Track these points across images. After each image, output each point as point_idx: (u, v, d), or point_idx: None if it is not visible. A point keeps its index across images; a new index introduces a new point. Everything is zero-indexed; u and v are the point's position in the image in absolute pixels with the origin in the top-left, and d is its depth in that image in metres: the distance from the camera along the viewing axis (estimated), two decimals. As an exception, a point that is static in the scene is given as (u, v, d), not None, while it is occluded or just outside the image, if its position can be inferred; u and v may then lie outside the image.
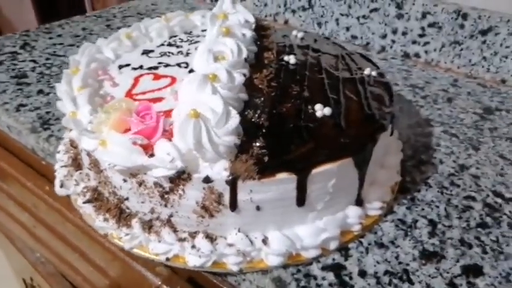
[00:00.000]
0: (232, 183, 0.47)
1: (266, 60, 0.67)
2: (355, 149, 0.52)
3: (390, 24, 1.06)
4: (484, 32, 0.94)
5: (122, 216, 0.53)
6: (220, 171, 0.47)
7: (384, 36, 1.08)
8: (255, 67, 0.64)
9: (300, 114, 0.56)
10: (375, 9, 1.07)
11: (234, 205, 0.48)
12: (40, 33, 1.11)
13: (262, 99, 0.57)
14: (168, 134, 0.48)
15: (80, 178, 0.58)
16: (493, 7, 0.92)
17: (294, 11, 1.20)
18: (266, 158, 0.48)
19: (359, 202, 0.57)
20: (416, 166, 0.70)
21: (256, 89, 0.59)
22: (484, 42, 0.94)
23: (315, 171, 0.49)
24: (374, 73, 0.69)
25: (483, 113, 0.86)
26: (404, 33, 1.05)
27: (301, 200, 0.50)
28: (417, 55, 1.05)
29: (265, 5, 1.24)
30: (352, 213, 0.55)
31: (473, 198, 0.64)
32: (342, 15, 1.12)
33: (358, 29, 1.11)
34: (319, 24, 1.17)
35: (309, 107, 0.57)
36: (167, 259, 0.52)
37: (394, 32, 1.06)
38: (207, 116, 0.48)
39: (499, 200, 0.63)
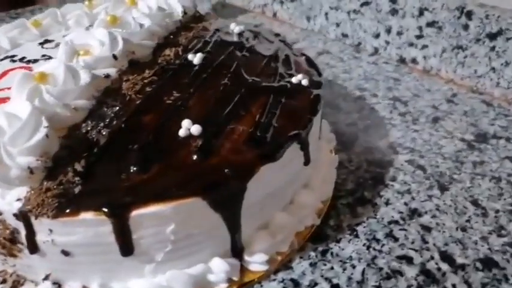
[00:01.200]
0: (25, 220, 0.36)
1: (161, 58, 0.55)
2: (207, 186, 0.38)
3: (383, 21, 0.88)
4: (492, 36, 0.74)
5: None
6: (11, 201, 0.36)
7: (377, 36, 0.90)
8: (139, 67, 0.52)
9: (158, 132, 0.43)
10: (366, 3, 0.89)
11: (31, 246, 0.37)
12: None
13: (116, 108, 0.45)
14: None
15: None
16: (505, 4, 0.72)
17: (282, 2, 1.05)
18: (77, 189, 0.37)
19: (236, 253, 0.44)
20: (350, 206, 0.54)
21: (117, 94, 0.47)
22: (492, 48, 0.74)
23: (136, 213, 0.36)
24: (305, 81, 0.54)
25: (474, 140, 0.67)
26: (399, 33, 0.86)
27: (125, 249, 0.38)
28: (414, 61, 0.86)
29: (253, -6, 1.11)
30: (216, 267, 0.42)
31: (410, 260, 0.47)
32: (331, 8, 0.96)
33: (349, 25, 0.94)
34: (308, 19, 1.01)
35: (176, 122, 0.44)
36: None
37: (388, 30, 0.88)
38: (3, 128, 0.37)
39: (445, 267, 0.46)
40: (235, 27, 0.66)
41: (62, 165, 0.38)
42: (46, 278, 0.39)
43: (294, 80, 0.54)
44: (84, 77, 0.44)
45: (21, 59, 0.56)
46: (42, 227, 0.36)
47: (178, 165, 0.40)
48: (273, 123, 0.46)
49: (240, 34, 0.66)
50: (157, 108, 0.46)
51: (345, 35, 0.96)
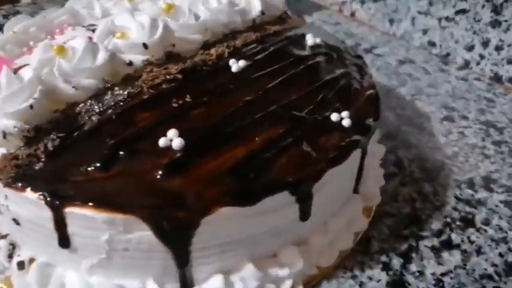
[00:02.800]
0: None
1: (201, 57, 0.49)
2: (152, 207, 0.34)
3: (481, 33, 0.78)
4: None
5: None
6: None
7: (471, 48, 0.81)
8: (172, 60, 0.48)
9: (142, 133, 0.39)
10: (463, 11, 0.79)
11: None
12: None
13: (120, 97, 0.42)
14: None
15: None
16: None
17: (362, 2, 0.97)
18: (37, 166, 0.36)
19: (185, 286, 0.39)
20: (436, 250, 0.47)
21: (132, 84, 0.44)
22: None
23: (69, 210, 0.34)
24: (346, 122, 0.43)
25: None
26: (498, 48, 0.76)
27: (61, 240, 0.36)
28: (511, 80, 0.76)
29: (332, -10, 1.03)
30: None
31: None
32: (419, 13, 0.87)
33: (438, 33, 0.85)
34: (391, 22, 0.92)
35: (166, 128, 0.39)
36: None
37: (485, 44, 0.78)
38: (1, 86, 0.39)
39: None
40: (310, 39, 0.57)
41: (40, 139, 0.38)
42: (4, 237, 0.40)
43: (333, 116, 0.44)
44: (101, 58, 0.42)
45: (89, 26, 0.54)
46: (0, 190, 0.36)
47: (138, 175, 0.36)
48: (272, 160, 0.38)
49: (313, 47, 0.56)
50: (159, 108, 0.42)
51: (431, 44, 0.86)
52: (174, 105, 0.43)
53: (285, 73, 0.49)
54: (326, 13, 1.03)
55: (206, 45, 0.52)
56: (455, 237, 0.49)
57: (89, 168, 0.36)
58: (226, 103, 0.44)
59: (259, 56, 0.52)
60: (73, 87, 0.41)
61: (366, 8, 0.97)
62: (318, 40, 0.57)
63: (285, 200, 0.38)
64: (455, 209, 0.53)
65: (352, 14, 1.00)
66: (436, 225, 0.51)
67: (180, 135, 0.38)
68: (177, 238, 0.36)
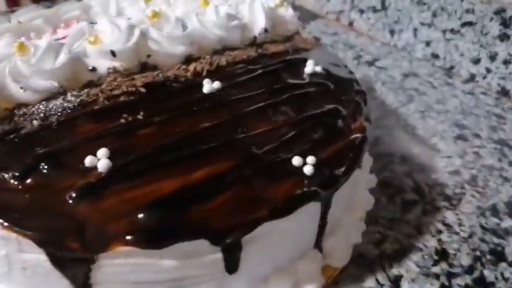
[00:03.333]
0: None
1: (175, 72, 0.44)
2: (45, 232, 0.31)
3: (487, 46, 0.76)
4: None
5: None
6: None
7: (477, 62, 0.78)
8: (144, 72, 0.44)
9: (74, 147, 0.36)
10: (469, 23, 0.77)
11: None
12: None
13: (70, 105, 0.39)
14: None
15: None
16: None
17: (362, 11, 0.93)
18: None
19: None
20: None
21: (88, 92, 0.41)
22: None
23: None
24: (308, 169, 0.36)
25: None
26: (506, 62, 0.74)
27: None
28: (521, 95, 0.74)
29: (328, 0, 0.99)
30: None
31: None
32: (422, 24, 0.84)
33: (442, 45, 0.82)
34: (392, 32, 0.89)
35: (96, 145, 0.35)
36: None
37: (492, 57, 0.76)
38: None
39: None
40: (309, 65, 0.49)
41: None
42: None
43: (295, 160, 0.37)
44: (60, 61, 0.40)
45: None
46: None
47: (50, 193, 0.32)
48: (203, 199, 0.33)
49: (311, 75, 0.49)
50: (105, 121, 0.38)
51: (435, 56, 0.84)
52: (122, 121, 0.38)
53: (262, 101, 0.43)
54: (323, 22, 0.99)
55: (188, 60, 0.47)
56: (488, 274, 0.46)
57: (6, 175, 0.33)
58: (180, 126, 0.38)
59: (241, 79, 0.46)
60: (21, 88, 0.39)
61: (365, 17, 0.93)
62: (318, 68, 0.49)
63: (205, 249, 0.32)
64: (482, 240, 0.50)
65: (351, 24, 0.97)
66: (466, 260, 0.47)
67: (111, 156, 0.34)
68: (73, 270, 0.32)
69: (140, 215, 0.31)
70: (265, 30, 0.54)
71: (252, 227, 0.33)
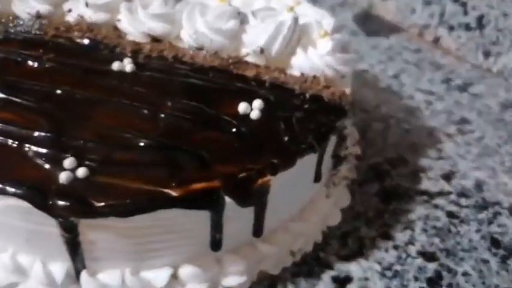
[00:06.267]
0: None
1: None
2: None
3: None
4: None
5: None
6: None
7: None
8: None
9: None
10: None
11: None
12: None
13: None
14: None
15: None
16: None
17: (451, 28, 0.83)
18: None
19: None
20: None
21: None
22: None
23: None
24: None
25: None
26: None
27: None
28: None
29: (413, 11, 0.90)
30: None
31: None
32: (529, 48, 0.73)
33: (550, 75, 0.72)
34: (486, 54, 0.79)
35: None
36: None
37: None
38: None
39: None
40: (243, 105, 0.41)
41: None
42: None
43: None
44: None
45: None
46: None
47: None
48: None
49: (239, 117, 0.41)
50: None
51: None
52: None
53: (142, 102, 0.41)
54: (404, 36, 0.90)
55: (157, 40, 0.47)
56: None
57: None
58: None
59: (159, 75, 0.44)
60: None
61: (454, 35, 0.83)
62: (255, 113, 0.40)
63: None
64: None
65: (436, 40, 0.87)
66: None
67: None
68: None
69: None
70: (261, 51, 0.44)
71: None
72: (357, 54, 0.79)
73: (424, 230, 0.49)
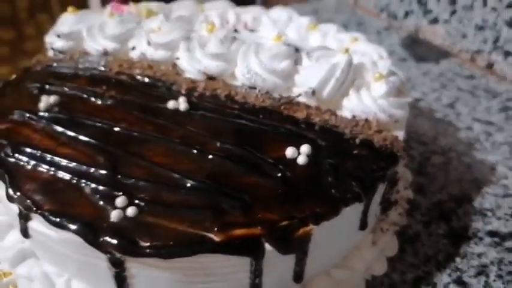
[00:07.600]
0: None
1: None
2: None
3: None
4: None
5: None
6: None
7: None
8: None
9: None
10: None
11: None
12: None
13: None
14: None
15: None
16: None
17: (507, 54, 0.81)
18: None
19: None
20: None
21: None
22: None
23: None
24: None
25: None
26: None
27: None
28: None
29: (464, 36, 0.87)
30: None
31: None
32: None
33: None
34: (545, 82, 0.76)
35: None
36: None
37: None
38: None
39: None
40: (291, 150, 0.41)
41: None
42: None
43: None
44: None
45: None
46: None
47: None
48: None
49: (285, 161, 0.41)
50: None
51: None
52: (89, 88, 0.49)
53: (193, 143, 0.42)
54: (455, 62, 0.88)
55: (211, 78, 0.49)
56: None
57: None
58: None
59: (213, 115, 0.45)
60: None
61: (510, 61, 0.81)
62: (302, 159, 0.40)
63: None
64: None
65: (489, 66, 0.84)
66: None
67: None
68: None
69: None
70: (313, 93, 0.44)
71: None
72: (408, 81, 0.78)
73: (499, 276, 0.47)
